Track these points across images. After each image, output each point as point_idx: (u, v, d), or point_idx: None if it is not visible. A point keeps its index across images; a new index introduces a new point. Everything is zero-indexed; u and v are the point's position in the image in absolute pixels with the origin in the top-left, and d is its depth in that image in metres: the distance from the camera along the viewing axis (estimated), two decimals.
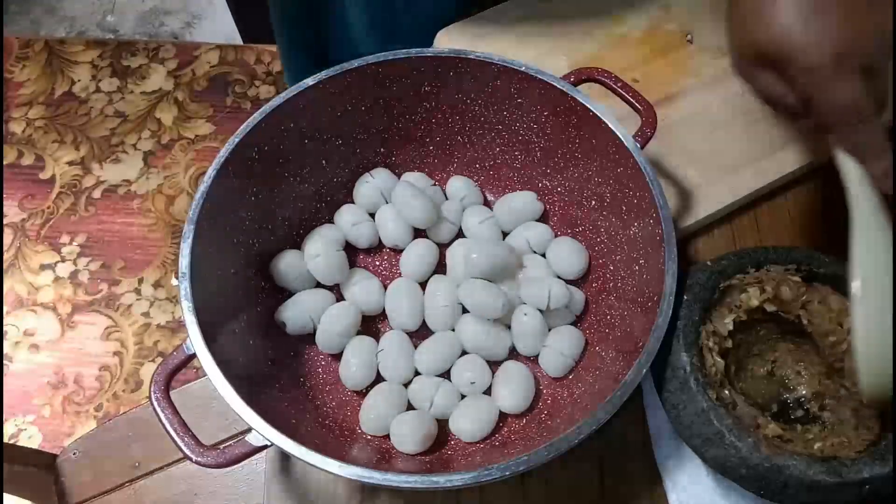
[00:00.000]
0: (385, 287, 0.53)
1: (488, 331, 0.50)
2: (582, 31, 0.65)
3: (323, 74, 0.50)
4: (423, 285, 0.52)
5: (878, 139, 0.37)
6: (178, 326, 1.27)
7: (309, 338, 0.51)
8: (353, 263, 0.55)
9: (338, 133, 0.54)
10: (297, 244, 0.54)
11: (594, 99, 0.49)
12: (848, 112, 0.37)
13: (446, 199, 0.57)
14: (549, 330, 0.50)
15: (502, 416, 0.49)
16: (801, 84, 0.37)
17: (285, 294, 0.52)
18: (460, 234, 0.56)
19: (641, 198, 0.47)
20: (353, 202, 0.57)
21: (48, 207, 1.38)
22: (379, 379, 0.50)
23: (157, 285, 1.30)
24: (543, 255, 0.54)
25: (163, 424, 0.40)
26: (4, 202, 1.38)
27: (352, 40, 0.71)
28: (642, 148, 0.48)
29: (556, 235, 0.55)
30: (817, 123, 0.39)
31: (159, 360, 1.23)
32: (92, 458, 0.53)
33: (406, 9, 0.67)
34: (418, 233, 0.55)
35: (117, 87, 1.52)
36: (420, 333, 0.51)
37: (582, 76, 0.52)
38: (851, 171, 0.39)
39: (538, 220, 0.56)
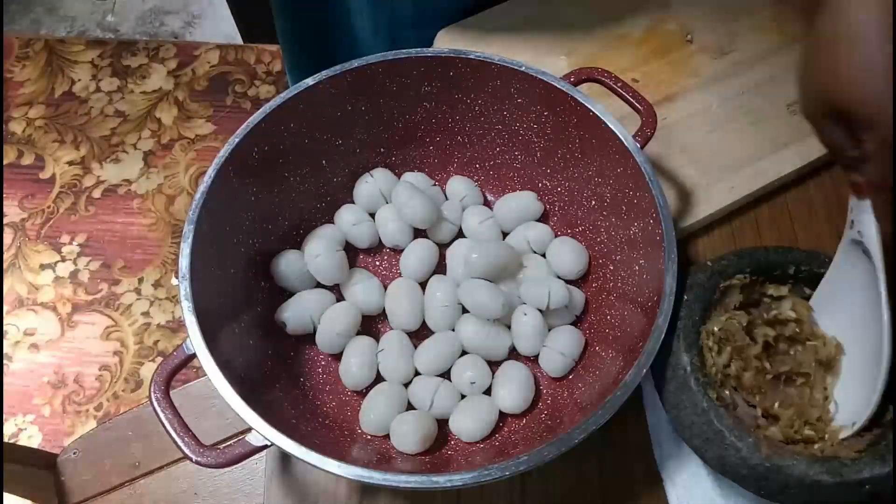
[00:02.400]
0: (385, 287, 0.53)
1: (488, 331, 0.50)
2: (582, 31, 0.65)
3: (323, 74, 0.50)
4: (423, 285, 0.52)
5: None
6: (178, 326, 1.27)
7: (309, 338, 0.51)
8: (353, 263, 0.55)
9: (338, 133, 0.54)
10: (297, 244, 0.54)
11: (594, 99, 0.49)
12: None
13: (446, 199, 0.57)
14: (549, 330, 0.50)
15: (502, 416, 0.49)
16: (868, 144, 0.37)
17: (285, 294, 0.52)
18: (460, 234, 0.56)
19: (641, 198, 0.47)
20: (353, 202, 0.57)
21: (48, 207, 1.38)
22: (379, 379, 0.50)
23: (157, 285, 1.30)
24: (543, 255, 0.54)
25: (163, 424, 0.40)
26: (4, 202, 1.38)
27: (357, 45, 0.70)
28: (642, 148, 0.48)
29: (556, 235, 0.55)
30: (870, 182, 0.39)
31: (159, 359, 1.23)
32: (92, 457, 0.53)
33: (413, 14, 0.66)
34: (418, 233, 0.55)
35: (117, 87, 1.52)
36: (420, 333, 0.51)
37: (582, 76, 0.52)
38: (874, 236, 0.40)
39: (538, 220, 0.56)
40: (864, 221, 0.41)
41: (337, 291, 0.53)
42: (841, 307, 0.45)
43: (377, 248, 0.56)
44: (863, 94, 0.36)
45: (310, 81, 0.50)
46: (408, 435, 0.46)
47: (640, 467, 0.49)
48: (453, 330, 0.51)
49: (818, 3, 0.38)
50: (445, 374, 0.50)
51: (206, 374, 0.40)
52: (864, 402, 0.42)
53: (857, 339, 0.44)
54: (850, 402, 0.44)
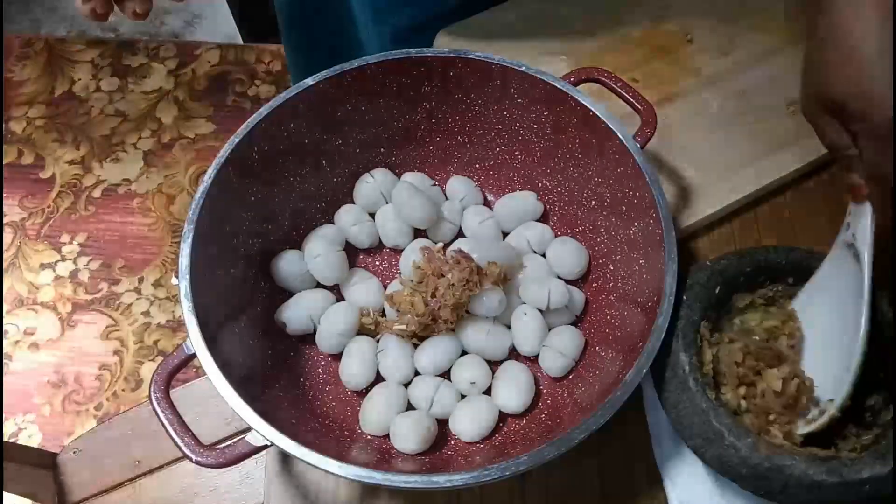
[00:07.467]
0: (385, 287, 0.53)
1: (488, 331, 0.50)
2: (582, 31, 0.65)
3: (323, 74, 0.50)
4: None
5: None
6: (178, 326, 1.27)
7: (309, 338, 0.51)
8: (353, 263, 0.55)
9: (338, 133, 0.54)
10: (297, 244, 0.54)
11: (594, 99, 0.49)
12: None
13: (446, 199, 0.57)
14: (549, 330, 0.50)
15: (502, 416, 0.49)
16: (861, 139, 0.38)
17: (285, 294, 0.52)
18: (460, 234, 0.56)
19: (641, 198, 0.47)
20: (353, 202, 0.57)
21: (48, 206, 1.38)
22: (379, 379, 0.50)
23: (157, 284, 1.30)
24: (543, 255, 0.54)
25: (163, 424, 0.40)
26: (4, 201, 1.38)
27: (359, 43, 0.71)
28: (642, 148, 0.48)
29: (556, 235, 0.55)
30: (867, 178, 0.40)
31: (159, 359, 1.23)
32: (92, 456, 0.53)
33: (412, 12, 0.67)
34: (418, 233, 0.55)
35: (117, 87, 1.52)
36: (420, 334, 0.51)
37: (582, 76, 0.52)
38: (868, 238, 0.41)
39: (538, 220, 0.56)
40: (860, 225, 0.41)
41: (337, 291, 0.53)
42: (824, 310, 0.45)
43: (377, 248, 0.56)
44: (852, 88, 0.38)
45: (310, 81, 0.50)
46: (408, 435, 0.46)
47: (640, 467, 0.49)
48: (453, 330, 0.51)
49: (819, 4, 0.39)
50: (445, 374, 0.50)
51: (206, 374, 0.41)
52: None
53: (835, 341, 0.44)
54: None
